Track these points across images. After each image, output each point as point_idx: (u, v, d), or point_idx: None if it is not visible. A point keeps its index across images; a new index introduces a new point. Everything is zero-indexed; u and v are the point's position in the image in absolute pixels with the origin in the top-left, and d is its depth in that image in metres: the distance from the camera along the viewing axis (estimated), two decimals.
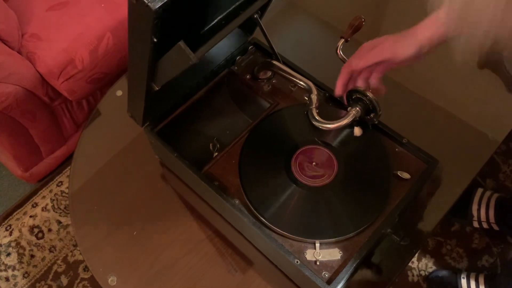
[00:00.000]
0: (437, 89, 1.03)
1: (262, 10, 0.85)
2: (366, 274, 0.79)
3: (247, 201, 0.76)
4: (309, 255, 0.72)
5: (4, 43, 1.20)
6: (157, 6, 0.41)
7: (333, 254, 0.72)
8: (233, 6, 0.56)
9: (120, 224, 0.88)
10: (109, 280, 0.82)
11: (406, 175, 0.78)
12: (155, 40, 0.46)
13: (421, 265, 1.28)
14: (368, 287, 0.79)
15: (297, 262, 0.69)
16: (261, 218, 0.74)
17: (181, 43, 0.47)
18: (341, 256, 0.71)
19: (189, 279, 0.81)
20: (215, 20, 0.55)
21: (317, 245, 0.72)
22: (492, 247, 1.32)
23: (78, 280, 1.32)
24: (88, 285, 1.31)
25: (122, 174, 0.94)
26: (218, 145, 0.84)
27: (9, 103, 1.17)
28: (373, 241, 0.71)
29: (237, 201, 0.76)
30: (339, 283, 0.68)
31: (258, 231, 0.72)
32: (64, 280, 1.33)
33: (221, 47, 0.90)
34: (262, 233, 0.72)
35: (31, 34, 1.23)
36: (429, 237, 1.28)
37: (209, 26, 0.54)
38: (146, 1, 0.42)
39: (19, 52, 1.23)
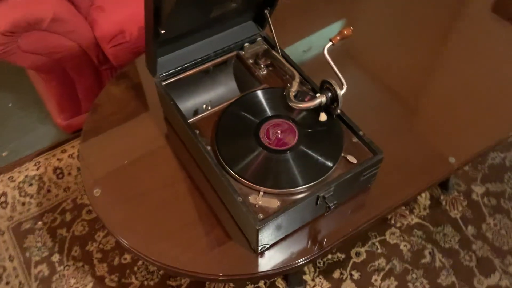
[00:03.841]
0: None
1: (271, 5, 1.04)
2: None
3: (216, 148, 0.91)
4: (252, 198, 0.86)
5: (75, 8, 1.46)
6: None
7: (272, 203, 0.85)
8: None
9: (119, 155, 1.06)
10: (94, 191, 0.99)
11: (353, 159, 0.91)
12: None
13: None
14: None
15: (240, 199, 0.83)
16: (222, 161, 0.89)
17: None
18: (277, 206, 0.85)
19: (158, 206, 0.97)
20: None
21: (261, 192, 0.86)
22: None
23: (79, 220, 1.51)
24: (86, 225, 1.49)
25: (130, 123, 1.13)
26: (210, 107, 1.01)
27: (64, 55, 1.42)
28: (307, 200, 0.84)
29: (208, 147, 0.92)
30: (265, 223, 0.81)
31: (217, 170, 0.87)
32: (68, 217, 1.52)
33: (234, 33, 1.09)
34: (219, 172, 0.87)
35: (98, 6, 1.49)
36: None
37: None
38: None
39: (85, 17, 1.48)
